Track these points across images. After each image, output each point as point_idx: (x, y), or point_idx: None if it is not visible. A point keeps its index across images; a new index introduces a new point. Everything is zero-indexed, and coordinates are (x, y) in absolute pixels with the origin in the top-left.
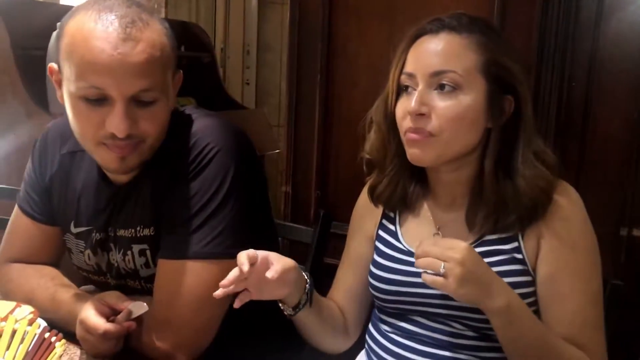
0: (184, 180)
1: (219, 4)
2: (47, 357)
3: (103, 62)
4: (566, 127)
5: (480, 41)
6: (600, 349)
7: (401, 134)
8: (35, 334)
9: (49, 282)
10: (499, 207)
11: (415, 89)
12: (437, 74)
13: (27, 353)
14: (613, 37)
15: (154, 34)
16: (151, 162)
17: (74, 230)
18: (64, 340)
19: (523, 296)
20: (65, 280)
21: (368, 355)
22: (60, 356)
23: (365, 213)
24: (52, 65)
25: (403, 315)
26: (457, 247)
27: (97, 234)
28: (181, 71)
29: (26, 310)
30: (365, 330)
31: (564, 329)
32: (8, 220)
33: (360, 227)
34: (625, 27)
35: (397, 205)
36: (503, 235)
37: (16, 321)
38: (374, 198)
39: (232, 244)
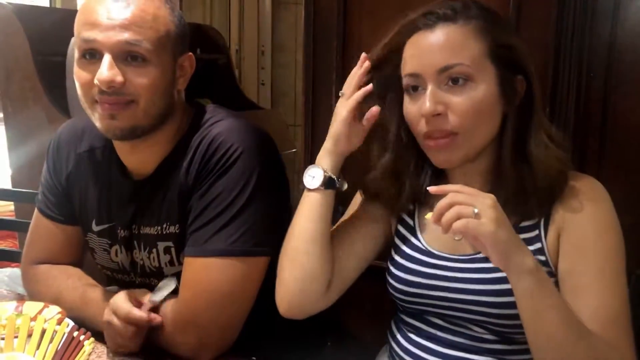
0: (210, 179)
1: (233, 6)
2: (76, 356)
3: (93, 17)
4: (585, 119)
5: (480, 27)
6: (628, 347)
7: (418, 139)
8: (64, 333)
9: (76, 282)
10: (518, 192)
11: (424, 88)
12: (445, 69)
13: (56, 352)
14: (631, 27)
15: (149, 2)
16: (173, 156)
17: (95, 228)
18: (92, 339)
19: None
20: (92, 280)
21: (390, 355)
22: (89, 354)
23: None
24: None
25: (423, 316)
26: (485, 194)
27: (122, 231)
28: (193, 55)
29: (54, 310)
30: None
31: (591, 325)
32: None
33: (373, 205)
34: None
35: (406, 206)
36: (524, 224)
37: (45, 321)
38: (379, 202)
39: (258, 242)
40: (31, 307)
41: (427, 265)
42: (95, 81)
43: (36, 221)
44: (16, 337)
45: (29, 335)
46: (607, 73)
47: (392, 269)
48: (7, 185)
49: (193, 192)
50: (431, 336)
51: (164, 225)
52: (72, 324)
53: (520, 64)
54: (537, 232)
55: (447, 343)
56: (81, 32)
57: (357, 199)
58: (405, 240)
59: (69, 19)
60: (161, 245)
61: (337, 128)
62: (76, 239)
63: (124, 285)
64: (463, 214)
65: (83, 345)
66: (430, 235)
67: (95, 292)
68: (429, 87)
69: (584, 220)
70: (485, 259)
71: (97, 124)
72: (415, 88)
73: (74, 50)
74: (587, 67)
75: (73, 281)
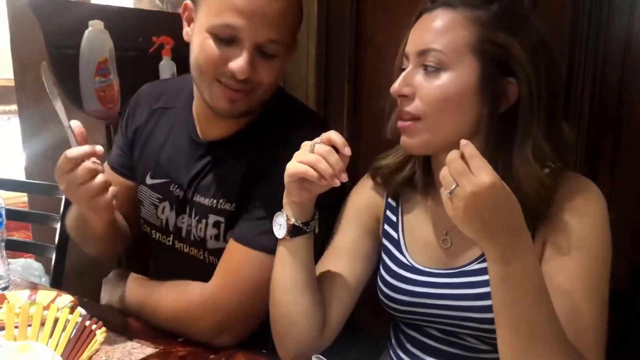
0: (278, 169)
1: None
2: (88, 344)
3: (244, 5)
4: (601, 114)
5: (474, 16)
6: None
7: None
8: (77, 322)
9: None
10: None
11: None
12: (423, 52)
13: (69, 341)
14: None
15: None
16: (246, 133)
17: (149, 181)
18: (104, 328)
19: None
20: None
21: None
22: (101, 343)
23: (364, 207)
24: (187, 1)
25: (418, 327)
26: (476, 179)
27: (176, 190)
28: (297, 38)
29: (66, 299)
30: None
31: (568, 332)
32: (45, 214)
33: (358, 220)
34: None
35: (400, 188)
36: None
37: (58, 309)
38: (376, 178)
39: None
40: (44, 296)
41: (413, 282)
42: (231, 68)
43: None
44: (29, 325)
45: (42, 324)
46: (623, 68)
47: (380, 285)
48: (20, 177)
49: (263, 178)
50: (426, 347)
51: (221, 201)
52: (84, 312)
53: (511, 65)
54: None
55: (442, 354)
56: (224, 15)
57: (345, 220)
58: (391, 256)
59: (82, 12)
60: (212, 218)
61: (286, 183)
62: (130, 193)
63: (159, 246)
64: (445, 184)
65: (95, 334)
66: (415, 249)
67: None
68: (408, 68)
69: (570, 225)
70: (474, 272)
71: (211, 100)
72: (402, 70)
73: (87, 43)
74: (602, 63)
75: None
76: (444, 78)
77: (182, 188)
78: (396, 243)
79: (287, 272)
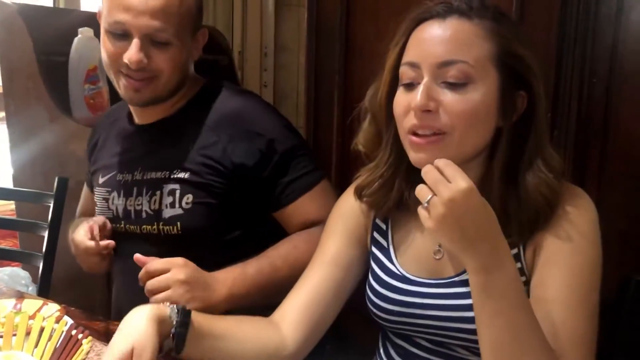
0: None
1: (236, 7)
2: (74, 354)
3: (127, 2)
4: (588, 123)
5: (493, 28)
6: None
7: (401, 133)
8: (63, 332)
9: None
10: (501, 215)
11: (419, 82)
12: (446, 64)
13: (55, 350)
14: (634, 32)
15: None
16: (187, 110)
17: (100, 181)
18: (90, 337)
19: None
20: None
21: None
22: (87, 353)
23: (350, 216)
24: (100, 9)
25: (408, 338)
26: (453, 184)
27: (125, 176)
28: (206, 29)
29: (53, 308)
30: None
31: (550, 340)
32: (33, 222)
33: (344, 228)
34: None
35: (390, 212)
36: None
37: (44, 319)
38: (363, 200)
39: (318, 167)
40: (30, 305)
41: (403, 292)
42: (125, 60)
43: (83, 189)
44: (14, 335)
45: (28, 334)
46: (610, 79)
47: (369, 293)
48: (8, 184)
49: (226, 152)
50: (415, 357)
51: (174, 171)
52: (70, 322)
53: (527, 79)
54: (515, 250)
55: None
56: (113, 13)
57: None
58: (380, 264)
59: (71, 19)
60: (167, 188)
61: None
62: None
63: (114, 236)
64: (421, 196)
65: (81, 344)
66: (405, 258)
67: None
68: (425, 80)
69: (560, 235)
70: (464, 283)
71: (121, 91)
72: (409, 85)
73: (76, 51)
74: (590, 73)
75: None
76: (472, 92)
77: (130, 172)
78: (386, 252)
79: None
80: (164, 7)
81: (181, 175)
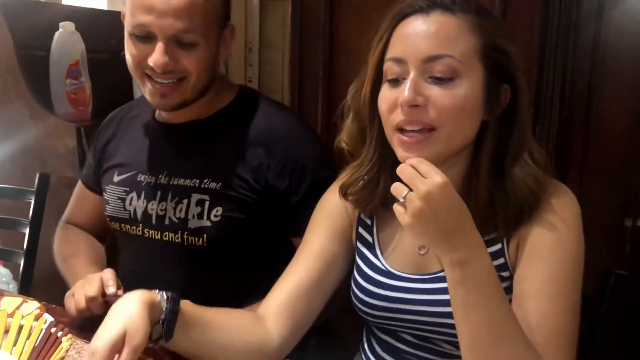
0: (301, 180)
1: None
2: (53, 352)
3: (150, 2)
4: (569, 119)
5: (476, 22)
6: None
7: (387, 130)
8: (42, 329)
9: (92, 254)
10: (487, 209)
11: (405, 78)
12: (432, 59)
13: (34, 348)
14: (615, 29)
15: None
16: (222, 113)
17: (116, 179)
18: (70, 335)
19: None
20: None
21: None
22: (67, 350)
23: (335, 212)
24: (123, 11)
25: (392, 332)
26: (429, 180)
27: (147, 177)
28: (233, 25)
29: (33, 305)
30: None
31: (531, 333)
32: (14, 219)
33: (328, 224)
34: (626, 19)
35: (375, 210)
36: (487, 238)
37: (22, 317)
38: (348, 199)
39: None
40: (9, 302)
41: (388, 287)
42: (150, 62)
43: (77, 187)
44: None
45: (6, 332)
46: (591, 74)
47: (354, 289)
48: None
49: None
50: (400, 352)
51: (205, 180)
52: (50, 319)
53: (510, 72)
54: (499, 246)
55: (416, 359)
56: (136, 15)
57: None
58: (365, 260)
59: (52, 13)
60: (195, 197)
61: None
62: (98, 205)
63: (127, 238)
64: (396, 192)
65: (61, 342)
66: (390, 253)
67: (92, 271)
68: (411, 75)
69: (543, 229)
70: None
71: (147, 96)
72: (395, 81)
73: (57, 45)
74: (571, 69)
75: (90, 251)
76: (459, 87)
77: (154, 174)
78: (371, 247)
79: (193, 354)
80: (188, 6)
81: (212, 185)
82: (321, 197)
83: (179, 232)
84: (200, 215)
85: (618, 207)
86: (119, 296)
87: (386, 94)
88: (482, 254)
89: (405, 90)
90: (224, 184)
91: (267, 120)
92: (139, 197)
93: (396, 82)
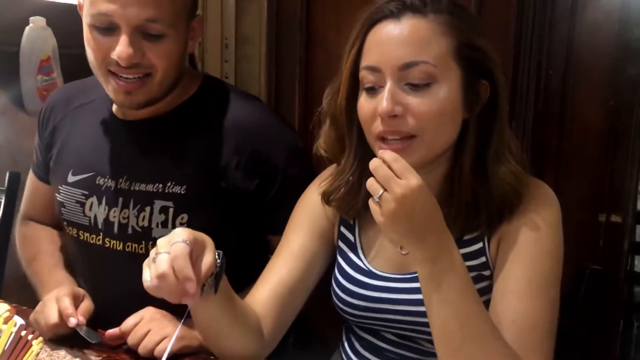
0: (280, 176)
1: None
2: (24, 355)
3: None
4: (545, 115)
5: (449, 22)
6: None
7: (369, 138)
8: (12, 332)
9: (55, 251)
10: (469, 208)
11: (382, 86)
12: (407, 66)
13: (3, 352)
14: (589, 25)
15: None
16: (180, 111)
17: (71, 179)
18: (41, 338)
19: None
20: (62, 260)
21: None
22: (38, 354)
23: (316, 211)
24: (80, 0)
25: (373, 331)
26: (404, 181)
27: (107, 181)
28: (201, 16)
29: (2, 308)
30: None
31: (508, 329)
32: None
33: (309, 222)
34: (600, 16)
35: (358, 212)
36: (467, 237)
37: None
38: (331, 205)
39: None
40: None
41: (369, 287)
42: (113, 56)
43: (28, 180)
44: None
45: None
46: (566, 71)
47: (335, 288)
48: None
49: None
50: (380, 350)
51: (168, 184)
52: (20, 322)
53: (487, 68)
54: (480, 244)
55: (396, 358)
56: (97, 3)
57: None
58: (347, 260)
59: (23, 8)
60: (158, 204)
61: None
62: (52, 197)
63: (86, 247)
64: (371, 190)
65: (31, 345)
66: (373, 253)
67: (56, 276)
68: (388, 85)
69: (523, 227)
70: None
71: (111, 94)
72: (371, 89)
73: (28, 41)
74: (547, 66)
75: (53, 249)
76: (437, 92)
77: (113, 178)
78: (353, 247)
79: (205, 323)
80: None
81: (176, 189)
82: (296, 192)
83: (143, 242)
84: (164, 224)
85: (592, 203)
86: (82, 324)
87: (364, 104)
88: (452, 252)
89: (383, 101)
90: (189, 188)
91: (234, 113)
92: (99, 202)
93: (372, 90)
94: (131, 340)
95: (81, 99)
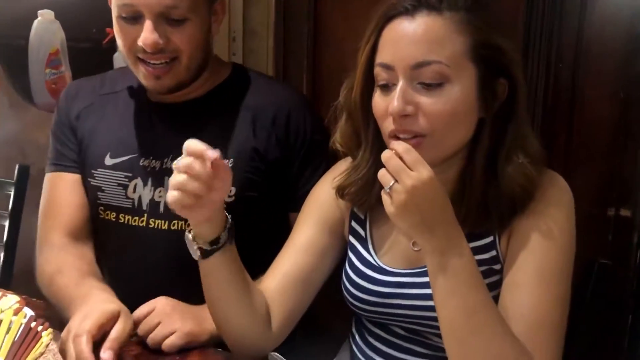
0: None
1: None
2: (33, 347)
3: None
4: (554, 108)
5: (466, 20)
6: (552, 357)
7: (383, 135)
8: (22, 324)
9: (83, 264)
10: (480, 207)
11: (394, 84)
12: (420, 65)
13: (13, 343)
14: (599, 19)
15: None
16: (219, 90)
17: (109, 162)
18: (50, 329)
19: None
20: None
21: (351, 357)
22: (47, 345)
23: (327, 205)
24: None
25: (383, 325)
26: (415, 173)
27: (151, 162)
28: (224, 0)
29: (12, 299)
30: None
31: (517, 323)
32: None
33: (320, 216)
34: (611, 9)
35: (371, 208)
36: (481, 243)
37: (1, 311)
38: (345, 199)
39: None
40: None
41: (379, 283)
42: (139, 43)
43: (49, 188)
44: None
45: None
46: (575, 63)
47: (346, 283)
48: None
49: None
50: (391, 343)
51: None
52: (30, 313)
53: (505, 66)
54: (491, 238)
55: (407, 351)
56: None
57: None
58: (358, 255)
59: (31, 1)
60: None
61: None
62: (83, 193)
63: (128, 231)
64: (382, 181)
65: (41, 337)
66: (384, 249)
67: (85, 287)
68: (400, 83)
69: (535, 222)
70: None
71: (142, 80)
72: (385, 86)
73: (36, 34)
74: (556, 59)
75: (78, 262)
76: (449, 92)
77: (158, 158)
78: (364, 242)
79: (215, 288)
80: None
81: None
82: (318, 162)
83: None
84: None
85: (601, 197)
86: None
87: (378, 101)
88: (461, 244)
89: (394, 100)
90: (236, 160)
91: (268, 93)
92: (145, 184)
93: (386, 88)
94: (141, 330)
95: (107, 88)
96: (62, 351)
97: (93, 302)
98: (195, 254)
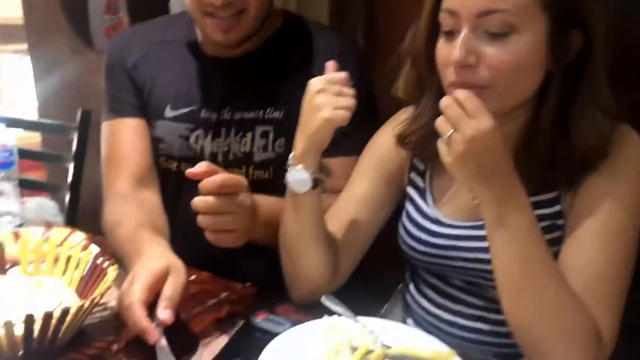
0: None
1: None
2: (100, 282)
3: None
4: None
5: None
6: (606, 315)
7: (444, 83)
8: (89, 260)
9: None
10: (549, 162)
11: (459, 31)
12: (485, 13)
13: (82, 278)
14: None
15: None
16: (273, 41)
17: (170, 114)
18: (116, 265)
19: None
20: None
21: (404, 307)
22: (113, 280)
23: (386, 155)
24: None
25: (441, 276)
26: (475, 122)
27: (209, 114)
28: None
29: (79, 236)
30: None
31: (575, 277)
32: (58, 155)
33: (378, 168)
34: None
35: (432, 158)
36: (544, 198)
37: (70, 247)
38: (406, 148)
39: None
40: (58, 233)
41: (437, 235)
42: None
43: (110, 135)
44: (43, 262)
45: (56, 261)
46: None
47: (402, 234)
48: (33, 116)
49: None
50: (447, 294)
51: (268, 110)
52: (96, 250)
53: (581, 17)
54: (556, 193)
55: (463, 302)
56: None
57: (365, 166)
58: (416, 206)
59: None
60: (259, 129)
61: (321, 130)
62: (148, 136)
63: (185, 179)
64: (440, 129)
65: (107, 272)
66: (445, 201)
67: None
68: (464, 31)
69: (602, 178)
70: None
71: (210, 34)
72: (449, 33)
73: None
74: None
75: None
76: (515, 42)
77: (215, 110)
78: (422, 193)
79: (302, 225)
80: None
81: (276, 115)
82: (361, 106)
83: (244, 166)
84: (265, 148)
85: None
86: (163, 346)
87: (441, 48)
88: (519, 195)
89: (456, 49)
90: (287, 112)
91: (319, 40)
92: (205, 135)
93: (451, 35)
94: (204, 188)
95: (158, 36)
96: (120, 301)
97: (143, 261)
98: (307, 184)
